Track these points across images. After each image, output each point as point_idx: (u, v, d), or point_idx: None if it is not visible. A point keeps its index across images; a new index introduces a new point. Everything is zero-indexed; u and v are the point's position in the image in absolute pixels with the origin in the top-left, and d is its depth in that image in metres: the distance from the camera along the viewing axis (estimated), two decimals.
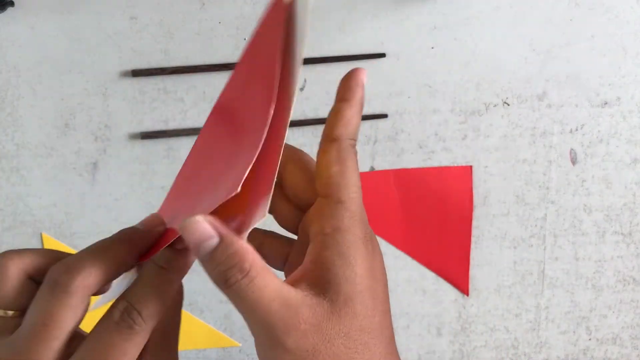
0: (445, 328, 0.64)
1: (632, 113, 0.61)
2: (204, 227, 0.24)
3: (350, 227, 0.26)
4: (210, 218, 0.24)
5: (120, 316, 0.25)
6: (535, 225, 0.63)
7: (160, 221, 0.28)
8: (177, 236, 0.26)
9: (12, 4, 0.55)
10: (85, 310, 0.26)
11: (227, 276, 0.24)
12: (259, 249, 0.27)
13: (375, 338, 0.26)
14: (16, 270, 0.26)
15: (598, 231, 0.63)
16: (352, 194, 0.27)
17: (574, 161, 0.62)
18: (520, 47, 0.59)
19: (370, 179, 0.61)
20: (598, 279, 0.65)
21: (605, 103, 0.61)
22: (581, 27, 0.59)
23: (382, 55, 0.59)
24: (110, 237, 0.27)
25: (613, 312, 0.65)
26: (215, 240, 0.24)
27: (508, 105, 0.61)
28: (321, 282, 0.25)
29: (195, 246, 0.24)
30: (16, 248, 0.28)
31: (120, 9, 0.57)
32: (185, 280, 0.59)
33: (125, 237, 0.27)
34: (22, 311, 0.26)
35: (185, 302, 0.66)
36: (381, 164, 0.61)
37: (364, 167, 0.61)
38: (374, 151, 0.61)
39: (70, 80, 0.58)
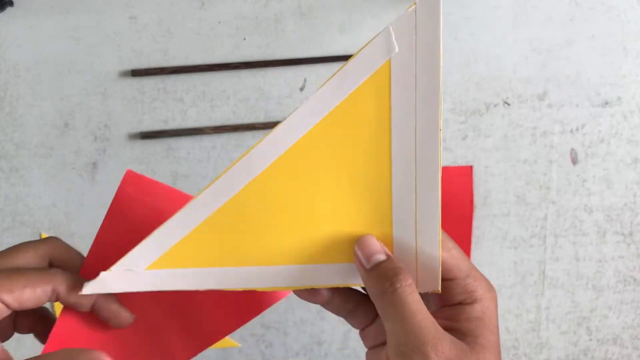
0: None
1: (633, 113, 0.61)
2: (376, 244, 0.30)
3: (483, 295, 0.30)
4: (380, 244, 0.30)
5: None
6: (536, 226, 0.63)
7: None
8: None
9: (11, 3, 0.55)
10: None
11: (392, 282, 0.28)
12: (353, 310, 0.32)
13: None
14: None
15: (599, 231, 0.63)
16: (473, 269, 0.31)
17: (574, 161, 0.62)
18: (520, 47, 0.59)
19: None
20: (599, 279, 0.65)
21: (606, 103, 0.61)
22: (582, 27, 0.59)
23: None
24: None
25: (614, 312, 0.65)
26: (383, 256, 0.29)
27: (508, 105, 0.61)
28: (456, 332, 0.29)
29: (368, 257, 0.29)
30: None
31: (120, 8, 0.56)
32: None
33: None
34: None
35: None
36: None
37: None
38: None
39: (70, 80, 0.57)
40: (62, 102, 0.58)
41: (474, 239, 0.63)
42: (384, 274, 0.29)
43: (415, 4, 0.26)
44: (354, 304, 0.32)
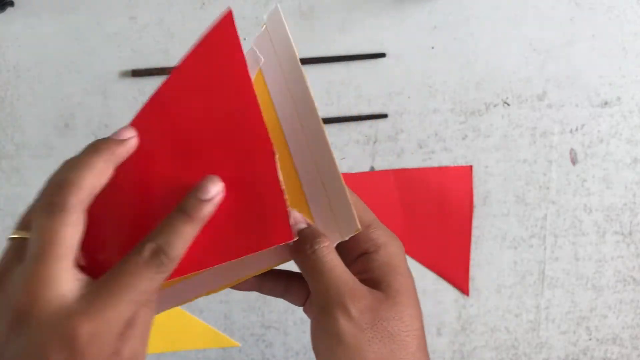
0: (445, 328, 0.64)
1: (633, 113, 0.61)
2: (298, 215, 0.33)
3: (387, 242, 0.33)
4: (301, 215, 0.33)
5: (150, 255, 0.28)
6: (536, 226, 0.63)
7: (133, 132, 0.32)
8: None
9: (12, 4, 0.55)
10: (84, 224, 0.28)
11: (312, 244, 0.31)
12: (286, 289, 0.35)
13: (421, 328, 0.32)
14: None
15: (598, 231, 0.63)
16: (375, 220, 0.34)
17: (574, 161, 0.62)
18: (520, 47, 0.59)
19: (370, 179, 0.61)
20: (598, 279, 0.65)
21: (606, 103, 0.61)
22: (581, 27, 0.59)
23: (382, 55, 0.59)
24: (86, 150, 0.30)
25: (613, 312, 0.65)
26: (304, 224, 0.32)
27: (508, 105, 0.61)
28: (371, 282, 0.32)
29: (293, 225, 0.32)
30: None
31: (120, 9, 0.57)
32: None
33: (102, 146, 0.30)
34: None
35: None
36: (381, 164, 0.61)
37: (364, 167, 0.61)
38: (374, 151, 0.61)
39: (70, 80, 0.57)
40: (63, 102, 0.58)
41: (473, 239, 0.63)
42: (304, 238, 0.32)
43: (264, 24, 0.34)
44: (284, 283, 0.35)
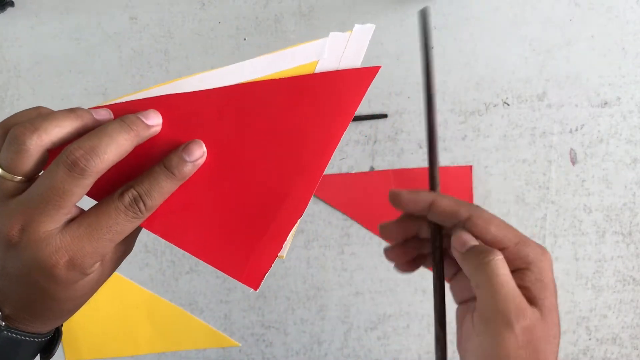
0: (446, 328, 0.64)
1: (632, 113, 0.61)
2: (468, 236, 0.36)
3: (536, 257, 0.35)
4: (469, 235, 0.36)
5: (130, 202, 0.31)
6: (535, 225, 0.63)
7: (159, 120, 0.34)
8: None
9: (12, 4, 0.55)
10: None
11: (487, 256, 0.33)
12: (456, 276, 0.39)
13: (558, 344, 0.35)
14: (36, 147, 0.31)
15: (598, 231, 0.63)
16: (522, 236, 0.36)
17: (573, 161, 0.62)
18: (520, 47, 0.59)
19: (370, 178, 0.61)
20: (598, 279, 0.65)
21: (605, 103, 0.61)
22: (581, 27, 0.59)
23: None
24: (115, 125, 0.32)
25: (613, 312, 0.65)
26: (475, 242, 0.35)
27: (508, 105, 0.61)
28: (526, 299, 0.34)
29: (462, 244, 0.35)
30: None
31: (121, 9, 0.57)
32: (186, 280, 0.59)
33: (130, 126, 0.32)
34: (29, 178, 0.31)
35: (185, 302, 0.66)
36: (381, 164, 0.61)
37: (364, 167, 0.61)
38: (373, 151, 0.61)
39: (71, 80, 0.58)
40: (63, 102, 0.58)
41: None
42: (479, 250, 0.34)
43: (351, 31, 0.33)
44: (457, 269, 0.38)
